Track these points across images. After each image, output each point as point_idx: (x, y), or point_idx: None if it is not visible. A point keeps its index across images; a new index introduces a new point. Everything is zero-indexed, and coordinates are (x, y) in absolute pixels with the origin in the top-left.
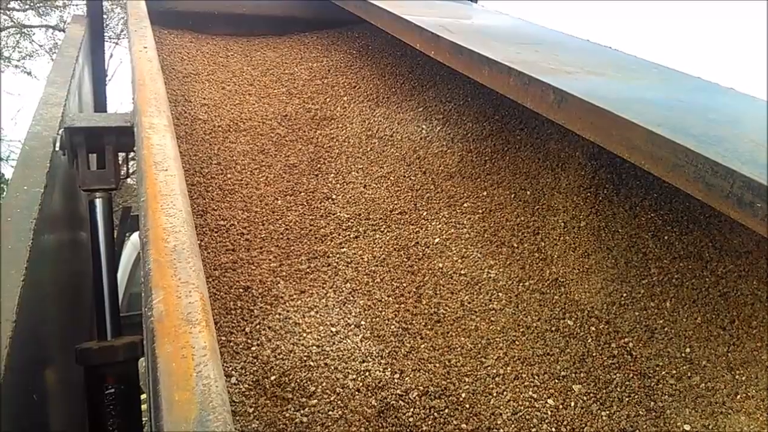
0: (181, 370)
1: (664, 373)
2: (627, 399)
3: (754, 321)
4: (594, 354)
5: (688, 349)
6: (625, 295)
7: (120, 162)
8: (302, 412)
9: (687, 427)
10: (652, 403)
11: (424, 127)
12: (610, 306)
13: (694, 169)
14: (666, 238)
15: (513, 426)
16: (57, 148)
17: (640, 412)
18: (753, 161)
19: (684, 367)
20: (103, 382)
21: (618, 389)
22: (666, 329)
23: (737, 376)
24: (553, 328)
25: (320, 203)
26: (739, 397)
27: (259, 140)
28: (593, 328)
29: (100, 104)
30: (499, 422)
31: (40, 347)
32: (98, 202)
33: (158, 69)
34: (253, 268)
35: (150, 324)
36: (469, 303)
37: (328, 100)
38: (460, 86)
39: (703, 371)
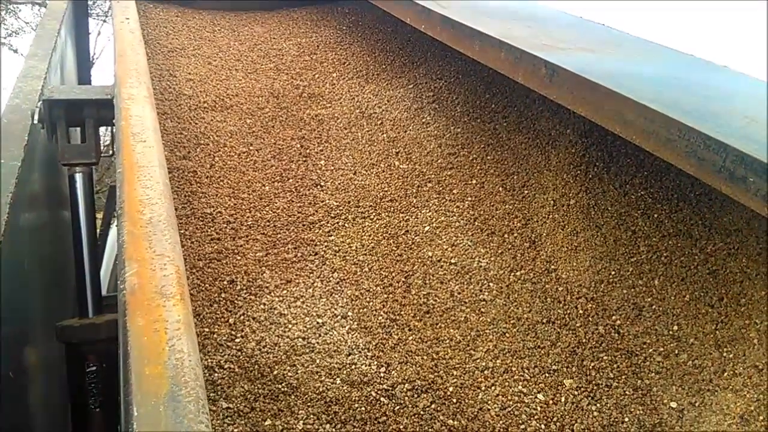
0: (153, 343)
1: (651, 350)
2: (615, 382)
3: (743, 299)
4: (584, 341)
5: (675, 327)
6: (613, 273)
7: (107, 138)
8: (285, 406)
9: (674, 405)
10: (639, 381)
11: (414, 105)
12: (598, 284)
13: (687, 143)
14: (656, 215)
15: (501, 422)
16: (36, 121)
17: (627, 392)
18: (746, 137)
19: (671, 345)
20: (85, 360)
21: (606, 374)
22: (654, 307)
23: (725, 354)
24: (545, 320)
25: (309, 190)
26: (726, 374)
27: (247, 120)
28: (581, 310)
29: (84, 81)
30: (486, 418)
31: (20, 325)
32: (78, 177)
33: (140, 40)
34: (239, 258)
35: (122, 297)
36: (459, 293)
37: (316, 76)
38: (451, 63)
39: (691, 349)
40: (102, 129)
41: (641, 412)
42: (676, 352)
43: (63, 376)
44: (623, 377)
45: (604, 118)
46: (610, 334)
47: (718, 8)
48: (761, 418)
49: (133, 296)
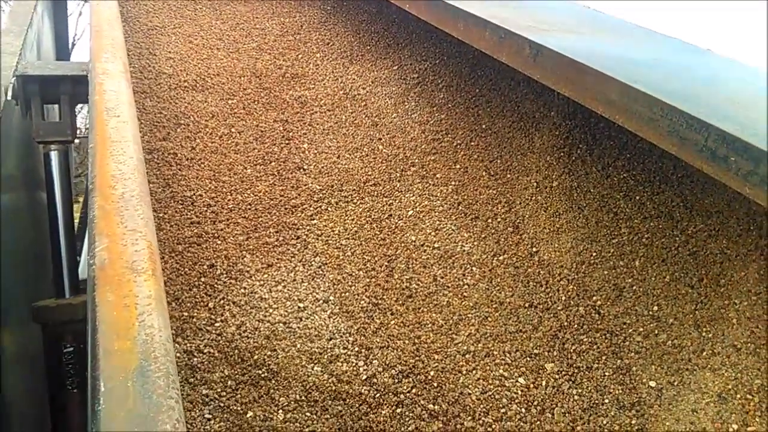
0: (123, 319)
1: (631, 330)
2: (596, 364)
3: (723, 279)
4: (565, 324)
5: (655, 307)
6: (594, 254)
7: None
8: (266, 392)
9: (653, 384)
10: (619, 361)
11: (399, 88)
12: (579, 265)
13: (669, 122)
14: (637, 198)
15: (482, 406)
16: (9, 97)
17: (607, 372)
18: (728, 117)
19: (651, 325)
20: (62, 340)
21: (587, 356)
22: (634, 288)
23: (704, 334)
24: (527, 304)
25: (291, 173)
26: (705, 353)
27: (229, 101)
28: (563, 293)
29: (63, 59)
30: (467, 402)
31: None
32: (54, 155)
33: (117, 16)
34: (219, 242)
35: (92, 272)
36: (442, 278)
37: (300, 56)
38: (436, 45)
39: (670, 329)
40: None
41: (620, 391)
42: (656, 332)
43: (41, 358)
44: (603, 358)
45: (587, 98)
46: (591, 314)
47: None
48: (738, 396)
49: (102, 271)
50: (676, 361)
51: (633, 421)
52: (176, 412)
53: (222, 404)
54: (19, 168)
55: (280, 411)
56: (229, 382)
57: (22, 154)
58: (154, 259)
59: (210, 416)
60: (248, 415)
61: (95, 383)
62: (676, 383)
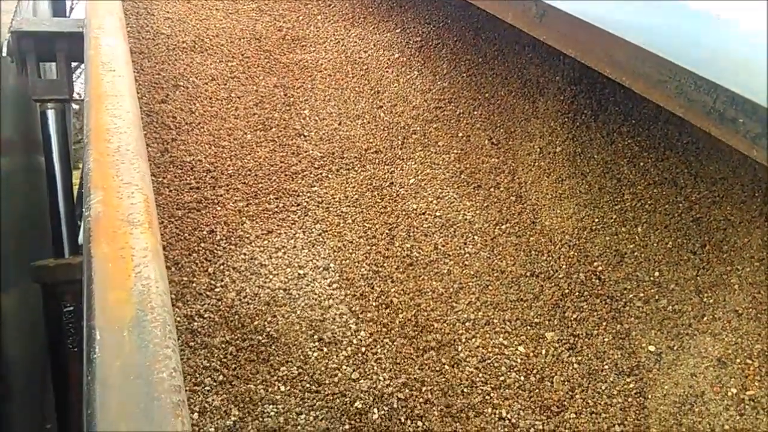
0: (119, 270)
1: (631, 296)
2: (595, 330)
3: (725, 245)
4: (566, 292)
5: (657, 273)
6: (597, 220)
7: None
8: (264, 358)
9: (652, 348)
10: (619, 326)
11: (400, 53)
12: (581, 231)
13: (677, 84)
14: (642, 164)
15: (480, 374)
16: (5, 54)
17: (607, 338)
18: (737, 78)
19: (652, 291)
20: (61, 299)
21: (587, 324)
22: (636, 254)
23: (705, 299)
24: (528, 273)
25: (292, 140)
26: (705, 318)
27: (228, 63)
28: (564, 260)
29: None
30: (466, 370)
31: None
32: (50, 114)
33: None
34: (219, 208)
35: (87, 224)
36: (443, 246)
37: (300, 18)
38: (440, 8)
39: (671, 294)
40: None
41: (619, 356)
42: (657, 297)
43: (41, 318)
44: (603, 324)
45: (594, 60)
46: (591, 280)
47: None
48: (738, 361)
49: (98, 223)
50: (676, 326)
51: (631, 386)
52: (173, 362)
53: (225, 384)
54: (17, 130)
55: (282, 384)
56: (230, 348)
57: (20, 117)
58: (151, 212)
59: (209, 388)
60: (249, 386)
61: (91, 332)
62: (675, 348)
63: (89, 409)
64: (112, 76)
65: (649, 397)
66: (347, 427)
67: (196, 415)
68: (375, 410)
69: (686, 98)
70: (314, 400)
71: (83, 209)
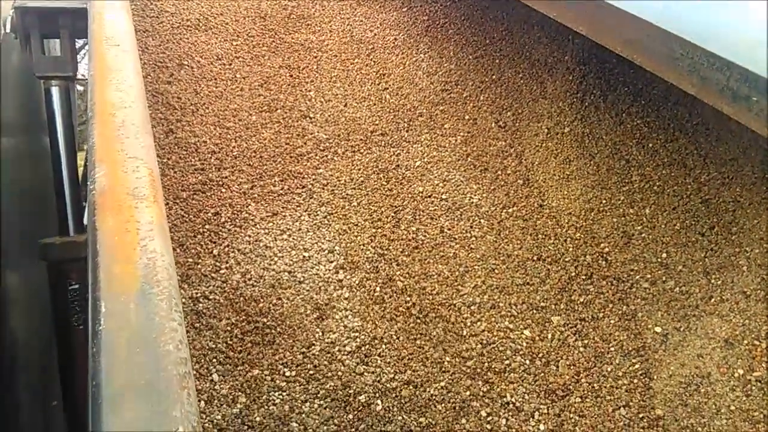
0: (125, 243)
1: (638, 277)
2: (601, 313)
3: (734, 227)
4: (573, 275)
5: (664, 255)
6: (604, 201)
7: None
8: (269, 341)
9: (658, 329)
10: (625, 307)
11: (407, 33)
12: (588, 212)
13: (690, 62)
14: (650, 145)
15: (485, 358)
16: (8, 30)
17: (613, 320)
18: (752, 56)
19: (659, 272)
20: (67, 278)
21: (593, 307)
22: (644, 235)
23: (713, 281)
24: (535, 257)
25: (297, 121)
26: (713, 300)
27: (233, 42)
28: (570, 242)
29: None
30: (471, 353)
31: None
32: (55, 91)
33: None
34: (224, 190)
35: (91, 198)
36: (449, 229)
37: None
38: None
39: (679, 276)
40: None
41: (625, 338)
42: (664, 278)
43: (46, 297)
44: (610, 305)
45: (605, 37)
46: (598, 262)
47: None
48: (745, 342)
49: (102, 197)
50: (683, 308)
51: (637, 367)
52: (179, 334)
53: (228, 357)
54: (22, 109)
55: (286, 369)
56: (235, 331)
57: (24, 95)
58: (156, 186)
59: (216, 371)
60: (255, 372)
61: (96, 304)
62: (682, 329)
63: (94, 380)
64: (116, 51)
65: (655, 378)
66: (351, 416)
67: (203, 404)
68: (378, 401)
69: (699, 76)
70: (318, 389)
71: (88, 183)
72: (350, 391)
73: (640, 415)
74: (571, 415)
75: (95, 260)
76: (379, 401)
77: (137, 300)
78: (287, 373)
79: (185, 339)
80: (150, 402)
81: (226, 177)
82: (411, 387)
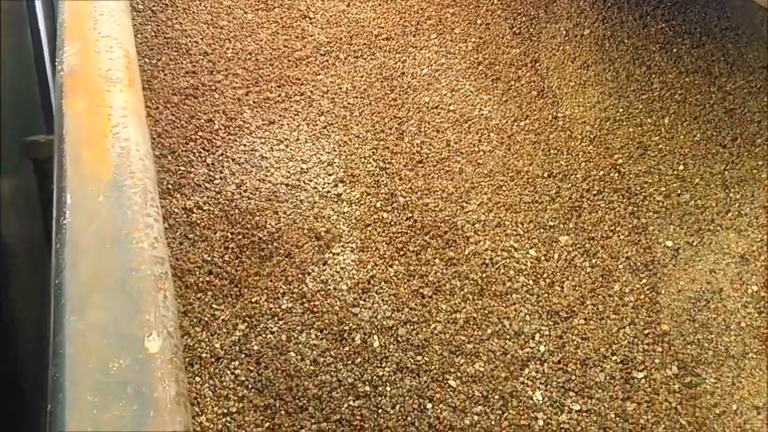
0: (95, 129)
1: (652, 190)
2: (611, 230)
3: (759, 138)
4: (585, 193)
5: (681, 167)
6: (621, 110)
7: None
8: (266, 255)
9: (669, 243)
10: (636, 221)
11: None
12: (603, 122)
13: None
14: (674, 50)
15: (486, 278)
16: None
17: (622, 235)
18: None
19: (674, 185)
20: (52, 176)
21: (603, 225)
22: (660, 146)
23: (731, 194)
24: (546, 174)
25: (296, 22)
26: (730, 214)
27: None
28: (583, 155)
29: None
30: (471, 273)
31: None
32: None
33: None
34: (217, 95)
35: (59, 79)
36: (456, 143)
37: None
38: None
39: (695, 188)
40: None
41: (634, 252)
42: (679, 192)
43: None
44: (620, 220)
45: None
46: (610, 174)
47: None
48: (762, 258)
49: (72, 77)
50: (697, 221)
51: (644, 281)
52: (154, 230)
53: (229, 297)
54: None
55: (285, 298)
56: (231, 245)
57: None
58: (132, 69)
59: (211, 293)
60: (254, 300)
61: (61, 195)
62: (695, 243)
63: (57, 279)
64: None
65: (663, 292)
66: (347, 349)
67: (199, 329)
68: (376, 338)
69: None
70: (314, 317)
71: (56, 63)
72: (346, 326)
73: (645, 331)
74: (574, 337)
75: (61, 147)
76: (375, 337)
77: (108, 192)
78: (285, 306)
79: (163, 237)
80: (118, 303)
81: (219, 81)
82: (411, 306)
